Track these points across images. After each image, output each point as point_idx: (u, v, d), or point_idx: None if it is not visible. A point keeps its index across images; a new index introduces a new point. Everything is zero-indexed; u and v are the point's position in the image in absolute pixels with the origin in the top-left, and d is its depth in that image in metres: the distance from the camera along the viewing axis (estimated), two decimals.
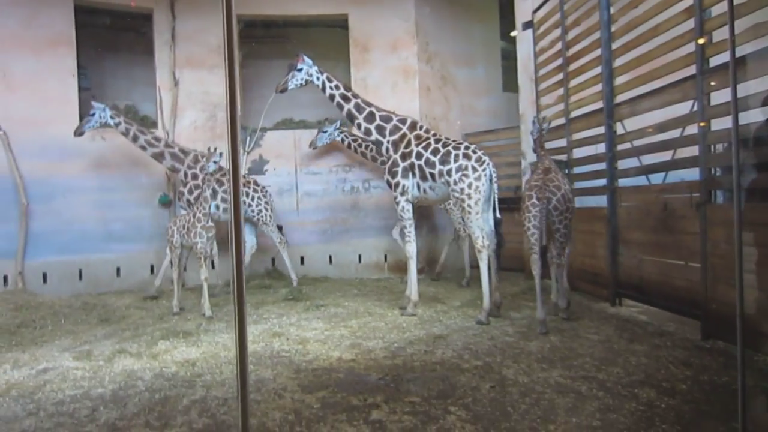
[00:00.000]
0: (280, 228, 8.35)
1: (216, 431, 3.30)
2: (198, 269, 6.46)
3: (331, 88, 6.55)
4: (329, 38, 10.22)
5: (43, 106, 7.99)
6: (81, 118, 8.33)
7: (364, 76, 9.27)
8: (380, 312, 6.45)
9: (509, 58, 10.44)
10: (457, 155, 5.89)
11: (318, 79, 6.56)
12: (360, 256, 9.21)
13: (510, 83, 10.26)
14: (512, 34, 9.42)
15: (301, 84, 6.59)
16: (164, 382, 4.13)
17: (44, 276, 7.96)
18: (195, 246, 6.34)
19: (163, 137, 7.98)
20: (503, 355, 4.57)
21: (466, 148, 5.95)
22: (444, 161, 5.93)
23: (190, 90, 9.06)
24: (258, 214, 8.02)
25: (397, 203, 6.37)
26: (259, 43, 10.40)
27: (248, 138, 9.19)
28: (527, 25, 8.07)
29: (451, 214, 8.24)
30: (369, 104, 6.55)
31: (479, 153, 5.92)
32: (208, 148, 6.42)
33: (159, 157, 7.79)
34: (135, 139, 7.62)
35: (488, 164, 5.89)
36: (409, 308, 6.29)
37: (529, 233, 5.59)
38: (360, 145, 8.66)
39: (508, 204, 9.12)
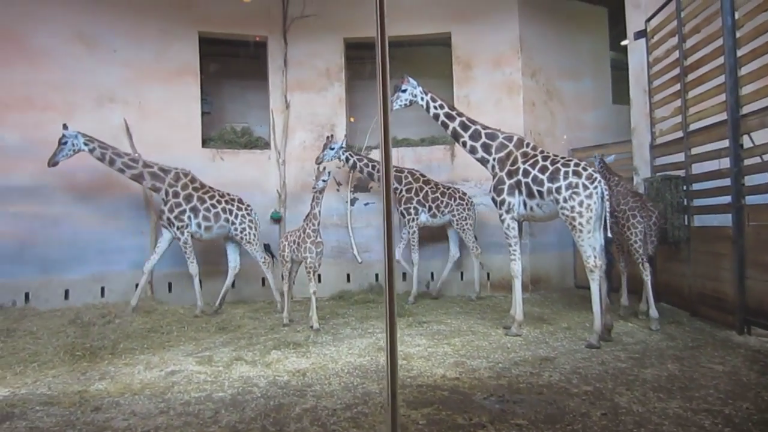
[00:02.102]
0: (267, 247, 8.31)
1: None
2: (307, 283, 6.73)
3: (435, 107, 6.62)
4: (432, 57, 10.37)
5: (171, 130, 8.76)
6: (203, 141, 9.07)
7: (467, 93, 9.29)
8: (483, 331, 6.38)
9: (619, 69, 10.04)
10: (567, 172, 5.75)
11: (422, 99, 6.66)
12: (462, 274, 9.16)
13: (620, 95, 9.84)
14: (623, 43, 9.05)
15: (405, 104, 6.72)
16: (278, 390, 4.34)
17: (169, 285, 8.66)
18: (305, 260, 6.62)
19: (140, 158, 7.66)
20: (615, 382, 4.36)
21: (576, 165, 5.80)
22: (553, 179, 5.81)
23: (299, 112, 9.55)
24: (241, 232, 7.89)
25: (503, 221, 6.31)
26: (364, 65, 10.77)
27: None
28: (640, 34, 7.72)
29: (464, 234, 8.48)
30: (474, 122, 6.54)
31: (590, 170, 5.75)
32: (318, 167, 6.70)
33: (138, 178, 7.60)
34: (112, 162, 7.44)
35: (599, 182, 5.69)
36: (513, 328, 6.17)
37: (634, 248, 6.19)
38: (366, 165, 8.61)
39: None
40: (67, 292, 7.88)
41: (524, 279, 8.91)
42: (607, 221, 5.69)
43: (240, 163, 9.18)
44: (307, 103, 9.56)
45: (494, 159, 6.38)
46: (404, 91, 6.68)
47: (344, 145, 8.63)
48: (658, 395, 4.00)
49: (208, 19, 9.09)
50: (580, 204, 5.64)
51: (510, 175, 6.20)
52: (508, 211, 6.23)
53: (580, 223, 5.65)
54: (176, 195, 7.58)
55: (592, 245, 5.69)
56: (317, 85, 9.58)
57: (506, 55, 9.21)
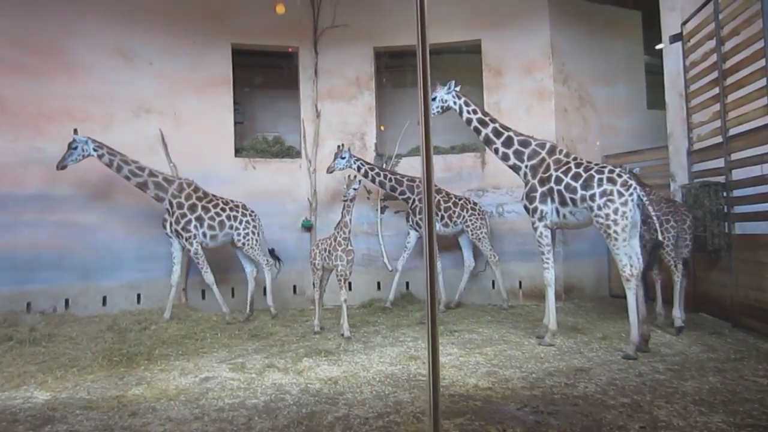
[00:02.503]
0: (272, 251, 8.32)
1: None
2: (338, 291, 6.75)
3: (468, 112, 6.57)
4: (461, 64, 10.33)
5: (205, 139, 8.92)
6: (236, 151, 9.21)
7: (497, 100, 9.23)
8: (516, 340, 6.30)
9: (654, 74, 9.85)
10: (601, 179, 5.66)
11: (455, 103, 6.61)
12: (493, 282, 9.07)
13: (655, 100, 9.65)
14: (658, 47, 8.89)
15: (438, 112, 6.68)
16: (310, 397, 4.35)
17: (203, 293, 8.78)
18: (336, 268, 6.64)
19: (147, 167, 7.67)
20: (654, 394, 4.25)
21: (611, 171, 5.71)
22: (586, 186, 5.73)
23: (330, 121, 9.62)
24: (244, 238, 7.93)
25: (535, 229, 6.24)
26: (394, 73, 10.81)
27: (384, 165, 9.50)
28: (675, 37, 7.56)
29: (480, 243, 8.40)
30: (507, 129, 6.47)
31: (625, 177, 5.65)
32: (348, 176, 6.74)
33: (143, 186, 7.63)
34: (119, 169, 7.49)
35: (635, 189, 5.59)
36: (547, 338, 6.07)
37: (665, 251, 6.34)
38: (378, 174, 8.51)
39: None
40: (104, 299, 8.07)
41: (557, 288, 8.76)
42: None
43: (272, 172, 9.28)
44: (337, 112, 9.63)
45: (526, 166, 6.31)
46: (433, 99, 6.60)
47: (352, 154, 8.58)
48: (699, 409, 3.88)
49: (240, 31, 9.26)
50: (615, 211, 5.53)
51: (542, 182, 6.13)
52: (540, 219, 6.16)
53: (615, 231, 5.55)
54: (180, 206, 7.64)
55: (627, 254, 5.59)
56: (347, 93, 9.65)
57: (537, 61, 9.13)
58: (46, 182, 7.78)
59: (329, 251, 6.76)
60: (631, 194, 5.54)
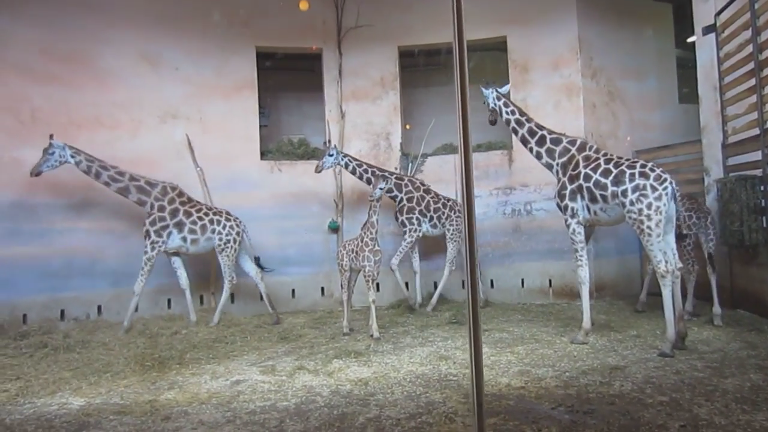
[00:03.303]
0: (257, 259, 8.10)
1: None
2: (366, 292, 6.71)
3: (507, 113, 6.63)
4: (487, 61, 10.23)
5: (231, 143, 8.98)
6: (262, 153, 9.25)
7: (524, 97, 9.09)
8: (547, 339, 6.19)
9: (686, 67, 9.62)
10: (632, 174, 5.54)
11: (495, 104, 6.71)
12: (523, 281, 8.94)
13: (687, 94, 9.41)
14: (689, 40, 8.66)
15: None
16: (341, 399, 4.32)
17: (232, 296, 8.82)
18: (363, 269, 6.61)
19: (127, 171, 7.45)
20: (693, 392, 4.12)
21: (642, 166, 5.58)
22: (617, 182, 5.61)
23: (355, 121, 9.61)
24: (224, 244, 7.66)
25: (568, 226, 6.19)
26: (418, 72, 10.75)
27: (410, 164, 9.45)
28: (709, 29, 7.35)
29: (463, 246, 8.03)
30: (541, 128, 6.49)
31: (657, 171, 5.50)
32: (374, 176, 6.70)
33: (124, 191, 7.42)
34: (98, 175, 7.28)
35: (669, 182, 5.44)
36: (579, 336, 5.95)
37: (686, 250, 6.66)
38: (366, 171, 8.30)
39: None
40: (169, 302, 8.16)
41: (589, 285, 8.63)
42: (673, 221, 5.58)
43: (297, 174, 9.29)
44: (362, 113, 9.61)
45: (558, 164, 6.31)
46: (485, 103, 6.86)
47: (340, 151, 8.40)
48: (741, 407, 3.75)
49: (264, 34, 9.30)
50: (649, 206, 5.39)
51: (572, 179, 6.09)
52: (572, 216, 6.11)
53: (648, 227, 5.41)
54: (162, 209, 7.43)
55: (662, 249, 5.46)
56: (372, 94, 9.62)
57: (565, 57, 8.97)
58: (77, 190, 7.91)
59: (356, 252, 6.73)
60: (666, 188, 5.40)
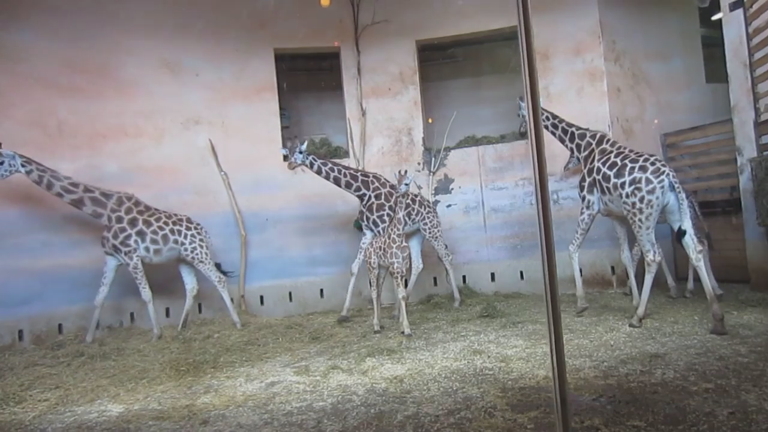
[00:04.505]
0: (218, 266, 7.91)
1: None
2: (395, 288, 6.66)
3: (542, 120, 6.89)
4: (506, 51, 10.08)
5: (253, 146, 9.00)
6: (285, 156, 9.24)
7: (546, 85, 8.93)
8: (582, 329, 6.06)
9: (712, 46, 9.34)
10: (632, 168, 5.89)
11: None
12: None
13: (715, 73, 9.14)
14: (715, 18, 8.40)
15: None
16: (377, 397, 4.27)
17: (261, 298, 8.88)
18: (392, 266, 6.56)
19: (81, 183, 7.18)
20: (739, 378, 3.98)
21: (645, 160, 5.90)
22: (618, 174, 5.99)
23: (376, 118, 9.55)
24: (192, 252, 7.53)
25: (581, 214, 6.66)
26: (436, 65, 10.64)
27: (433, 159, 9.36)
28: (736, 4, 7.11)
29: (436, 242, 8.18)
30: (571, 125, 7.11)
31: (658, 164, 5.82)
32: (399, 171, 6.63)
33: (79, 203, 7.16)
34: (50, 186, 6.98)
35: (667, 174, 5.69)
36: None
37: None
38: (332, 170, 7.80)
39: (723, 207, 8.10)
40: (167, 310, 8.24)
41: (619, 273, 8.46)
42: (686, 211, 5.76)
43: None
44: (382, 109, 9.55)
45: (582, 157, 6.84)
46: (518, 115, 7.90)
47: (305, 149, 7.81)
48: None
49: (282, 36, 9.28)
50: (641, 200, 5.76)
51: (590, 172, 6.49)
52: (587, 207, 6.56)
53: (639, 219, 5.81)
54: (120, 220, 7.21)
55: (651, 240, 5.83)
56: (392, 89, 9.55)
57: (586, 42, 8.77)
58: None
59: (384, 249, 6.68)
60: (661, 181, 5.70)
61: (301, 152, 7.62)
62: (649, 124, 9.02)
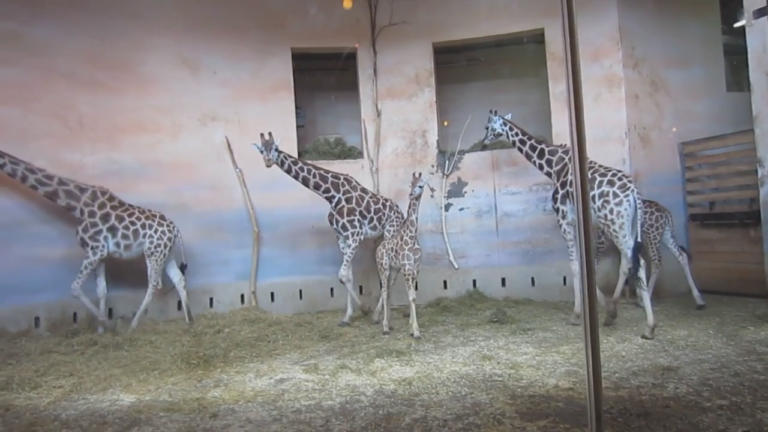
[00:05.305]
0: (183, 267, 7.86)
1: None
2: (406, 290, 6.68)
3: (512, 135, 7.68)
4: (523, 54, 10.06)
5: None
6: (299, 154, 9.31)
7: (562, 90, 8.90)
8: None
9: (734, 54, 9.26)
10: (600, 182, 6.32)
11: (502, 129, 7.80)
12: (565, 279, 8.75)
13: (736, 81, 9.06)
14: (737, 25, 8.32)
15: (491, 139, 8.17)
16: (385, 399, 4.31)
17: (272, 295, 8.93)
18: (403, 267, 6.58)
19: (55, 175, 7.15)
20: (754, 395, 3.96)
21: (613, 175, 6.34)
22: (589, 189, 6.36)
23: (391, 119, 9.58)
24: (155, 248, 7.46)
25: (560, 226, 7.03)
26: (453, 68, 10.64)
27: (447, 161, 9.37)
28: (760, 12, 7.04)
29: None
30: (540, 142, 7.48)
31: (624, 180, 6.25)
32: (413, 174, 6.65)
33: (53, 196, 7.12)
34: (24, 179, 6.96)
35: (632, 191, 6.11)
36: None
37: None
38: (301, 170, 7.58)
39: (741, 219, 8.03)
40: (179, 303, 8.32)
41: (631, 284, 8.38)
42: (638, 228, 6.21)
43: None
44: (398, 111, 9.58)
45: (554, 171, 7.15)
46: (486, 128, 8.07)
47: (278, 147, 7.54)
48: None
49: (299, 35, 9.34)
50: (611, 212, 6.19)
51: (563, 185, 6.89)
52: (563, 218, 6.93)
53: (614, 230, 6.21)
54: (92, 214, 7.18)
55: (630, 248, 6.15)
56: (407, 91, 9.58)
57: (605, 47, 8.72)
58: (121, 192, 8.08)
59: (396, 251, 6.71)
60: (627, 195, 6.14)
61: (276, 149, 7.37)
62: (666, 133, 8.95)
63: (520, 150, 7.61)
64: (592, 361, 1.76)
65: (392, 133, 9.58)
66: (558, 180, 7.03)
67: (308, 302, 9.02)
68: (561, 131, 8.90)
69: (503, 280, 9.10)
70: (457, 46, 9.93)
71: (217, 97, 8.91)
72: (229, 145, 8.85)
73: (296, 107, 9.50)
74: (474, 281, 9.16)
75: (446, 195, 9.36)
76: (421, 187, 6.46)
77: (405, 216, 7.77)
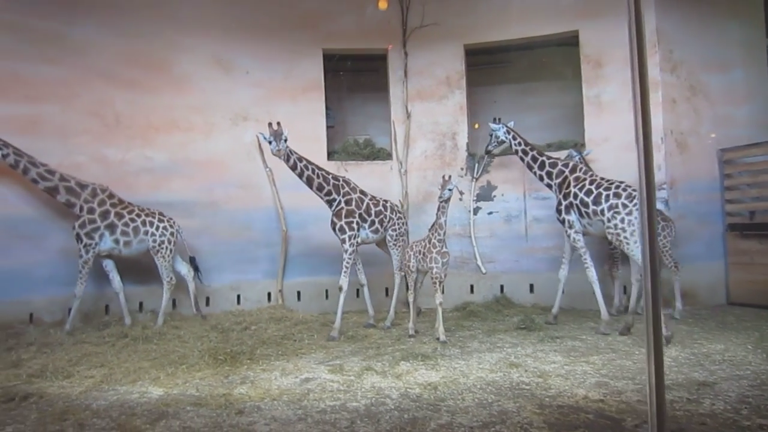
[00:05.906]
0: (192, 259, 7.90)
1: None
2: (433, 294, 6.63)
3: (515, 144, 7.82)
4: (556, 57, 9.92)
5: (299, 144, 8.93)
6: (328, 154, 9.35)
7: (597, 93, 8.76)
8: (624, 349, 5.90)
9: None
10: (608, 195, 6.62)
11: (506, 137, 7.92)
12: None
13: None
14: None
15: (495, 145, 8.24)
16: (410, 402, 4.27)
17: (298, 294, 8.98)
18: (431, 270, 6.54)
19: (57, 170, 7.13)
20: None
21: (617, 187, 6.63)
22: (596, 202, 6.73)
23: (420, 121, 9.55)
24: (159, 245, 7.49)
25: (568, 236, 7.21)
26: (484, 70, 10.55)
27: (476, 164, 9.29)
28: None
29: (399, 251, 7.73)
30: (542, 154, 7.64)
31: (629, 190, 6.51)
32: (443, 176, 6.60)
33: (53, 191, 7.10)
34: (26, 171, 6.95)
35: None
36: (601, 327, 6.39)
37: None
38: (307, 167, 7.34)
39: None
40: (207, 300, 8.43)
41: (666, 293, 8.18)
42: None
43: (363, 174, 9.30)
44: (427, 113, 9.54)
45: (555, 184, 7.40)
46: (490, 135, 8.21)
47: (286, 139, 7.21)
48: None
49: (331, 37, 9.40)
50: (622, 221, 6.47)
51: (565, 197, 7.15)
52: (570, 227, 7.14)
53: (625, 238, 6.46)
54: (91, 211, 7.17)
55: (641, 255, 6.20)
56: (437, 93, 9.54)
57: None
58: (154, 189, 8.25)
59: (424, 253, 6.67)
60: (636, 204, 6.26)
61: (286, 140, 7.09)
62: (705, 138, 8.72)
63: (522, 159, 7.78)
64: (655, 380, 1.70)
65: (422, 135, 9.55)
66: (560, 192, 7.27)
67: (334, 302, 8.95)
68: (594, 136, 8.75)
69: (531, 286, 8.98)
70: (489, 48, 9.84)
71: (248, 97, 9.02)
72: (259, 145, 8.93)
73: (326, 108, 9.54)
74: (501, 286, 9.06)
75: (475, 198, 9.28)
76: (450, 190, 6.41)
77: (406, 218, 8.01)
